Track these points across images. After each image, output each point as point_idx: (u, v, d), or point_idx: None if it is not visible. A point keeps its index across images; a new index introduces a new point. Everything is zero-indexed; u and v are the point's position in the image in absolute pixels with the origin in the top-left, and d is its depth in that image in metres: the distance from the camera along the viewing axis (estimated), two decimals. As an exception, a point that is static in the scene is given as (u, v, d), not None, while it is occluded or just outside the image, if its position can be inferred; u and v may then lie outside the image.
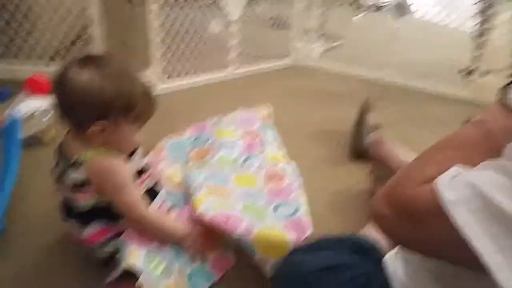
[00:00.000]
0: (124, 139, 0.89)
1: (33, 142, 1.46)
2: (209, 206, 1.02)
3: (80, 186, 0.87)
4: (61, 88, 0.83)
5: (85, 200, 0.89)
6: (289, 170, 1.24)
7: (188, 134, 1.51)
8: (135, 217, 0.90)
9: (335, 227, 1.22)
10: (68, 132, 0.90)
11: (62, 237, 1.06)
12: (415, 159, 0.65)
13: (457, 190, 0.50)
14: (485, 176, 0.50)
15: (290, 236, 0.95)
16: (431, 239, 0.53)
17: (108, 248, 0.93)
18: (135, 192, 0.90)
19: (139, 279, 0.85)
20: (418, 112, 2.15)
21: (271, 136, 1.51)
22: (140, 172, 0.96)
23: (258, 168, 1.25)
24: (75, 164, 0.86)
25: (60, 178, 0.89)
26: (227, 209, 1.01)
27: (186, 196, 1.11)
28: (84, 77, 0.81)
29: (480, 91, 2.31)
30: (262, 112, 1.62)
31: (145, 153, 1.39)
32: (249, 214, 1.00)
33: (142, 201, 0.91)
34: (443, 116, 2.11)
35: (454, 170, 0.53)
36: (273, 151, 1.40)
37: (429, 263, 0.64)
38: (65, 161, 0.88)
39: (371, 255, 0.82)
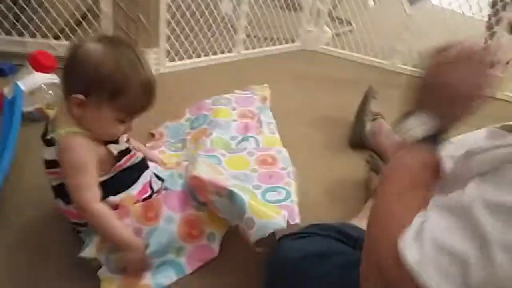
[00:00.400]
0: (102, 123, 0.86)
1: (36, 116, 1.48)
2: (204, 170, 1.02)
3: (49, 165, 0.88)
4: (69, 54, 0.85)
5: (53, 179, 0.91)
6: (283, 155, 1.24)
7: (186, 116, 1.51)
8: (80, 204, 0.87)
9: (330, 215, 1.23)
10: (61, 104, 0.91)
11: (56, 212, 1.07)
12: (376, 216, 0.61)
13: (421, 248, 0.49)
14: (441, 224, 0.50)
15: (282, 211, 0.94)
16: None
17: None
18: (87, 179, 0.85)
19: (99, 271, 0.89)
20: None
21: (268, 117, 1.51)
22: (124, 153, 0.93)
23: (252, 150, 1.25)
24: (49, 142, 0.86)
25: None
26: (220, 179, 1.01)
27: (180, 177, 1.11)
28: (92, 47, 0.83)
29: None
30: (260, 92, 1.62)
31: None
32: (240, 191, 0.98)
33: (93, 191, 0.86)
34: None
35: (416, 224, 0.52)
36: (269, 133, 1.41)
37: None
38: (44, 137, 0.89)
39: (359, 244, 0.82)
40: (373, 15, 2.55)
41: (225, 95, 1.56)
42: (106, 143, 0.90)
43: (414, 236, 0.51)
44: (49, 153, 0.87)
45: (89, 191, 0.86)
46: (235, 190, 0.95)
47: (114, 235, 0.88)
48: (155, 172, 1.07)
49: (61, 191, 0.91)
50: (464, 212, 0.48)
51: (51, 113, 1.49)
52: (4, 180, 1.12)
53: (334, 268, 0.72)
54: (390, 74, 2.46)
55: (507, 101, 2.22)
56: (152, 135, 1.48)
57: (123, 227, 0.90)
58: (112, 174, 0.92)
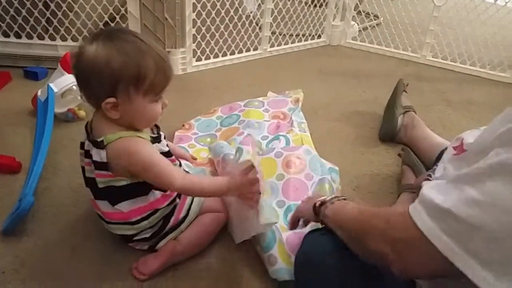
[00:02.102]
0: (141, 112, 0.86)
1: (69, 117, 1.51)
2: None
3: (100, 167, 0.88)
4: (75, 63, 0.84)
5: (102, 180, 0.90)
6: (312, 155, 1.23)
7: (218, 114, 1.53)
8: (167, 189, 0.92)
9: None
10: (96, 110, 0.91)
11: (90, 212, 1.09)
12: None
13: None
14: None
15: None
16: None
17: (141, 226, 0.95)
18: (160, 167, 0.88)
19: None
20: (456, 94, 2.07)
21: (299, 117, 1.51)
22: (166, 156, 0.94)
23: (280, 150, 1.24)
24: (99, 145, 0.86)
25: (87, 154, 0.91)
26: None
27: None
28: (92, 49, 0.81)
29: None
30: (293, 96, 1.63)
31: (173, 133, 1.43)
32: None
33: (174, 171, 0.89)
34: (481, 99, 2.03)
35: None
36: (299, 131, 1.40)
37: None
38: (91, 139, 0.89)
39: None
40: (400, 8, 2.50)
41: (259, 98, 1.57)
42: (153, 142, 0.91)
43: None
44: (100, 156, 0.87)
45: (167, 177, 0.87)
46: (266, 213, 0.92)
47: (210, 193, 0.94)
48: (187, 170, 1.08)
49: (108, 193, 0.92)
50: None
51: (82, 113, 1.52)
52: (39, 180, 1.15)
53: (360, 263, 0.70)
54: (419, 66, 2.40)
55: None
56: (182, 125, 1.50)
57: (211, 183, 0.93)
58: None
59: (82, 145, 0.93)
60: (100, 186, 0.91)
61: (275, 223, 0.93)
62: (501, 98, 2.07)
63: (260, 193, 0.91)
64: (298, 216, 0.95)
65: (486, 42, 2.30)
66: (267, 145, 1.31)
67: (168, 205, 0.96)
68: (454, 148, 0.90)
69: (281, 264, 0.94)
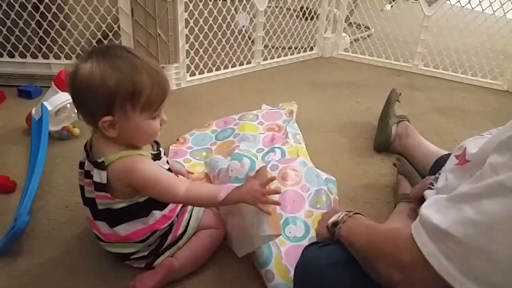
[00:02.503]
0: (139, 129, 0.85)
1: (63, 135, 1.51)
2: None
3: (99, 188, 0.88)
4: (70, 82, 0.83)
5: (102, 201, 0.90)
6: (308, 167, 1.23)
7: (212, 127, 1.53)
8: (172, 201, 0.93)
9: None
10: (94, 129, 0.91)
11: (86, 231, 1.09)
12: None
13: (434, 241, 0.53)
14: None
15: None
16: None
17: (139, 245, 0.95)
18: (164, 182, 0.87)
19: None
20: (448, 102, 2.09)
21: (294, 129, 1.52)
22: None
23: (276, 162, 1.24)
24: (100, 166, 0.86)
25: (87, 175, 0.90)
26: None
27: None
28: (87, 68, 0.81)
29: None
30: (287, 108, 1.63)
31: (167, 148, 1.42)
32: None
33: (174, 187, 0.87)
34: (474, 107, 2.05)
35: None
36: (294, 142, 1.40)
37: None
38: (91, 159, 0.89)
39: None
40: (390, 19, 2.53)
41: (253, 111, 1.58)
42: (154, 159, 0.91)
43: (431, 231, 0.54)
44: (101, 177, 0.86)
45: (171, 190, 0.87)
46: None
47: (214, 203, 0.91)
48: None
49: (107, 215, 0.91)
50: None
51: (77, 131, 1.52)
52: (34, 199, 1.14)
53: (359, 275, 0.70)
54: (412, 76, 2.43)
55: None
56: (177, 139, 1.50)
57: (212, 192, 0.89)
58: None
59: (81, 164, 0.93)
60: (100, 207, 0.90)
61: (280, 234, 0.91)
62: (493, 105, 2.09)
63: (277, 196, 0.91)
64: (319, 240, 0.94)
65: (476, 50, 2.33)
66: (262, 157, 1.31)
67: (167, 225, 0.96)
68: (457, 157, 0.89)
69: (279, 280, 0.94)
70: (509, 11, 2.18)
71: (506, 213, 0.46)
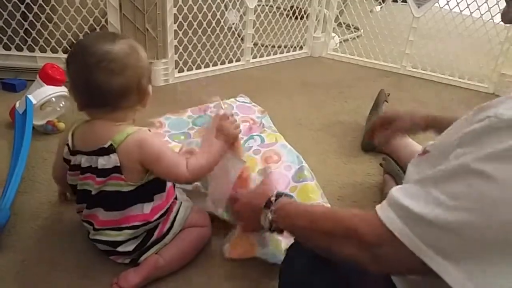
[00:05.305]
0: (149, 95, 0.92)
1: (48, 129, 1.48)
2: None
3: (111, 171, 0.88)
4: (97, 66, 0.82)
5: (113, 182, 0.89)
6: (288, 149, 1.29)
7: (188, 113, 1.53)
8: (180, 180, 0.93)
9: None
10: (87, 122, 0.91)
11: (69, 226, 1.08)
12: None
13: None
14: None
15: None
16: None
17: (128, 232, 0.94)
18: (172, 154, 0.92)
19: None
20: (435, 103, 2.10)
21: (268, 122, 1.55)
22: None
23: (257, 147, 1.30)
24: (108, 150, 0.86)
25: (85, 171, 0.90)
26: None
27: None
28: (118, 48, 0.84)
29: (502, 83, 2.25)
30: (258, 107, 1.65)
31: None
32: None
33: (179, 165, 0.90)
34: (460, 108, 2.07)
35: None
36: (272, 131, 1.43)
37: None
38: (91, 151, 0.88)
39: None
40: (380, 20, 2.54)
41: (227, 101, 1.58)
42: None
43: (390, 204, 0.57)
44: (110, 160, 0.86)
45: (178, 166, 0.90)
46: None
47: (214, 161, 0.95)
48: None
49: (105, 199, 0.91)
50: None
51: (62, 125, 1.49)
52: (17, 194, 1.12)
53: (343, 273, 0.70)
54: (400, 77, 2.44)
55: None
56: (152, 123, 1.48)
57: (207, 154, 0.94)
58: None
59: (75, 166, 0.92)
60: (105, 189, 0.90)
61: (245, 162, 1.01)
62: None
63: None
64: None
65: (463, 52, 2.35)
66: (243, 144, 1.32)
67: (158, 217, 0.95)
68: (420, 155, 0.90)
69: (271, 248, 0.97)
70: (496, 14, 2.21)
71: (470, 191, 0.49)
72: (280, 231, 0.82)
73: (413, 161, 0.84)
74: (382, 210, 0.57)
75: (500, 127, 0.50)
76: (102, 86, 0.83)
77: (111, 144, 0.86)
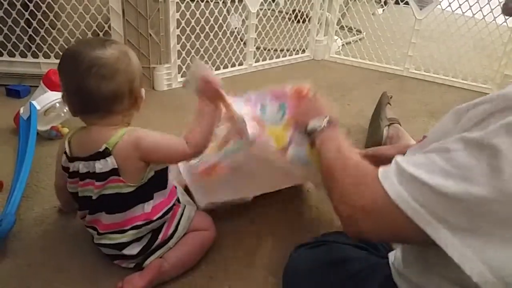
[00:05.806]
0: (142, 96, 0.93)
1: (52, 135, 1.49)
2: None
3: (110, 174, 0.88)
4: (88, 72, 0.82)
5: (112, 185, 0.89)
6: None
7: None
8: (183, 157, 0.95)
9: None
10: (83, 128, 0.92)
11: (74, 231, 1.08)
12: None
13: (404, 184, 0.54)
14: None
15: None
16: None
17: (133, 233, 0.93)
18: (165, 140, 0.91)
19: None
20: (439, 105, 2.10)
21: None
22: None
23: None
24: (103, 154, 0.86)
25: (84, 176, 0.90)
26: None
27: None
28: (109, 53, 0.84)
29: (505, 84, 2.25)
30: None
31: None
32: None
33: (175, 143, 0.91)
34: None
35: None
36: None
37: (425, 253, 0.62)
38: (88, 157, 0.88)
39: (375, 249, 0.80)
40: (382, 22, 2.55)
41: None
42: None
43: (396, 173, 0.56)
44: (107, 164, 0.87)
45: (177, 147, 0.91)
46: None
47: (209, 129, 0.94)
48: None
49: (106, 202, 0.91)
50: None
51: (65, 131, 1.50)
52: (21, 199, 1.12)
53: (350, 275, 0.70)
54: (403, 79, 2.44)
55: None
56: None
57: (199, 123, 0.94)
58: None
59: (73, 173, 0.92)
60: (105, 193, 0.90)
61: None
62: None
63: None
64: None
65: (466, 54, 2.35)
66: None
67: (160, 217, 0.95)
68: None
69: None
70: (498, 16, 2.21)
71: (472, 162, 0.49)
72: (313, 143, 0.83)
73: (410, 149, 0.84)
74: (383, 173, 0.57)
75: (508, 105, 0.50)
76: (94, 92, 0.83)
77: (106, 148, 0.86)
